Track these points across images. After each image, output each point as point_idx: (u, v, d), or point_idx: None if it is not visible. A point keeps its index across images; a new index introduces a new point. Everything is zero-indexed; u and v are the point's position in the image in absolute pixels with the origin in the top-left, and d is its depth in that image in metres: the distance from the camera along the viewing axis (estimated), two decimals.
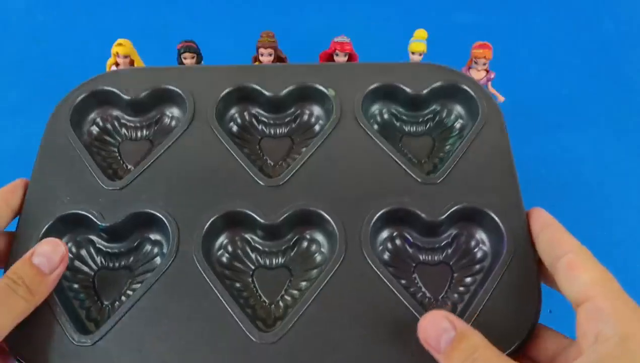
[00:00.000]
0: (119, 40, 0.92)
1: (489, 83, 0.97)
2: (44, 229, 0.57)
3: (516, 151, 0.86)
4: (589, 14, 1.34)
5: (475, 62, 0.95)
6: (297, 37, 1.18)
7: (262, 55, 0.92)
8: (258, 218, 0.58)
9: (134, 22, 1.30)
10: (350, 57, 0.93)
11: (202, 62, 0.94)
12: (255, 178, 0.60)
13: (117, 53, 0.91)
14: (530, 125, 1.07)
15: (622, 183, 0.99)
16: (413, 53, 0.92)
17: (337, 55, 0.93)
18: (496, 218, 0.57)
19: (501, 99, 0.97)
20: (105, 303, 0.57)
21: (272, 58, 0.91)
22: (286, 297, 0.57)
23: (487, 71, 0.96)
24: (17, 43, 1.27)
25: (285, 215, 0.58)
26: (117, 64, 0.93)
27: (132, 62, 0.93)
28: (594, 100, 1.16)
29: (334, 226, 0.57)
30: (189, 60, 0.92)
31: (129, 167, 0.64)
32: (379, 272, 0.55)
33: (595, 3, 1.34)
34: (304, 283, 0.56)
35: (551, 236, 0.52)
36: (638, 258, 0.87)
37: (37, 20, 1.32)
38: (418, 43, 0.92)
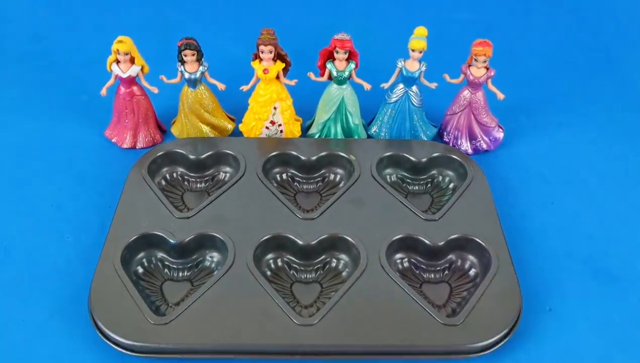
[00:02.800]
0: (119, 38, 1.01)
1: (489, 81, 1.04)
2: (128, 243, 0.87)
3: (516, 150, 1.12)
4: (588, 13, 1.47)
5: (476, 60, 1.02)
6: (297, 34, 1.32)
7: (262, 52, 1.00)
8: (297, 240, 0.88)
9: (134, 19, 1.43)
10: (351, 55, 1.03)
11: (203, 59, 1.04)
12: (294, 213, 0.92)
13: (118, 50, 1.00)
14: (530, 123, 1.19)
15: (622, 182, 1.06)
16: (413, 50, 1.01)
17: (337, 52, 1.01)
18: (483, 244, 0.87)
19: (501, 96, 1.04)
20: (171, 303, 0.83)
21: (272, 55, 1.01)
22: (318, 303, 0.84)
23: (487, 69, 1.03)
24: (18, 41, 1.39)
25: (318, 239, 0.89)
26: (117, 61, 1.03)
27: (132, 59, 1.03)
28: (594, 98, 1.27)
29: (358, 249, 0.87)
30: (189, 57, 1.02)
31: (190, 208, 0.95)
32: (393, 278, 0.84)
33: (595, 2, 1.48)
34: (333, 293, 0.84)
35: None
36: (638, 257, 0.93)
37: (37, 18, 1.44)
38: (418, 40, 1.00)
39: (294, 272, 0.89)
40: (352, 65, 1.04)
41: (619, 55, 1.40)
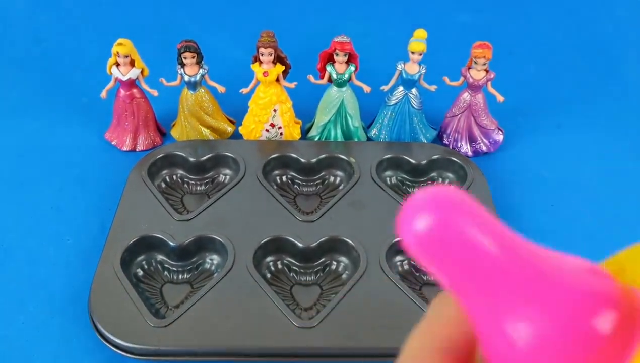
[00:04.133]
0: (120, 40, 1.01)
1: (489, 83, 1.04)
2: (128, 245, 0.86)
3: (516, 152, 1.12)
4: (588, 14, 1.46)
5: (475, 62, 1.02)
6: (297, 37, 1.30)
7: (262, 55, 1.00)
8: (297, 243, 0.88)
9: (134, 22, 1.42)
10: (350, 57, 1.03)
11: (203, 61, 1.04)
12: (294, 215, 0.92)
13: (118, 53, 1.01)
14: (529, 125, 1.18)
15: (622, 183, 1.06)
16: (413, 53, 1.01)
17: (337, 55, 1.02)
18: None
19: (501, 99, 1.05)
20: (171, 305, 0.83)
21: (272, 58, 1.01)
22: (318, 305, 0.84)
23: (487, 71, 1.03)
24: (18, 43, 1.38)
25: (318, 242, 0.88)
26: (117, 64, 1.03)
27: (132, 62, 1.03)
28: (594, 100, 1.27)
29: (358, 251, 0.86)
30: (189, 59, 1.02)
31: (190, 211, 0.95)
32: (393, 280, 0.83)
33: (595, 3, 1.46)
34: (333, 296, 0.83)
35: None
36: None
37: (38, 20, 1.43)
38: (418, 43, 1.00)
39: (294, 275, 0.88)
40: (352, 68, 1.04)
41: (618, 56, 1.39)
